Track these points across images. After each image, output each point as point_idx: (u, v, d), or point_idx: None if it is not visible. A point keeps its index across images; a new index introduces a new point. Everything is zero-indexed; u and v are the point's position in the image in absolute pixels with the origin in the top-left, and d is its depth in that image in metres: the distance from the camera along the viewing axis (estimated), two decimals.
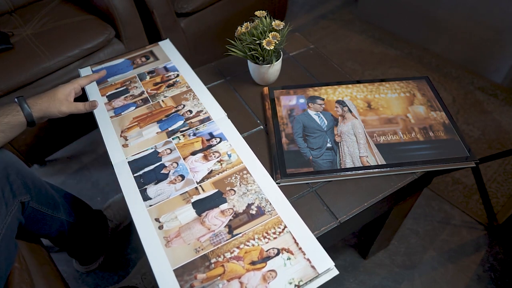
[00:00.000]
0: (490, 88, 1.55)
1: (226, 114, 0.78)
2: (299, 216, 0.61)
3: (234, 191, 0.65)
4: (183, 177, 0.67)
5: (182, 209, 0.63)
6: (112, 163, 0.71)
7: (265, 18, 0.79)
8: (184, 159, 0.70)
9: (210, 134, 0.74)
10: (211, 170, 0.68)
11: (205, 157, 0.70)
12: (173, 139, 0.74)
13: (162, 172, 0.69)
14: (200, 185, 0.66)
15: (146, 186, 0.67)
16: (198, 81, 0.86)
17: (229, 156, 0.70)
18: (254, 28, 0.78)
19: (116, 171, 0.69)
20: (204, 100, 0.81)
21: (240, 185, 0.65)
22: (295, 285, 0.53)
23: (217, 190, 0.65)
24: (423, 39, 1.74)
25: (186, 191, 0.65)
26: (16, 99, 0.69)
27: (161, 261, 0.57)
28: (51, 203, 0.82)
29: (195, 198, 0.64)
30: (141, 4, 1.25)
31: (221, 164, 0.69)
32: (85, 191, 1.29)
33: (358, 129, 0.74)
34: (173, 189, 0.66)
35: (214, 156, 0.70)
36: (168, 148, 0.72)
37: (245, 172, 0.67)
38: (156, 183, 0.67)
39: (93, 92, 0.86)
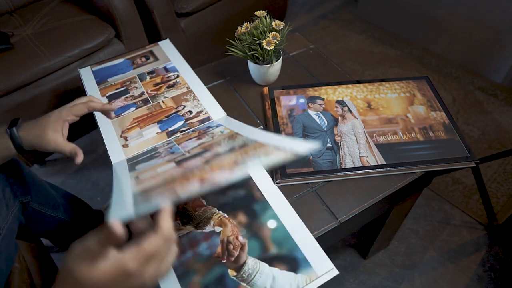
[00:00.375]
0: (490, 88, 1.55)
1: (226, 114, 0.78)
2: (299, 217, 0.61)
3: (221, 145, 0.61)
4: (173, 152, 0.66)
5: (164, 167, 0.58)
6: (112, 163, 0.71)
7: (265, 18, 0.79)
8: (179, 145, 0.69)
9: (208, 127, 0.74)
10: (202, 142, 0.66)
11: (199, 138, 0.69)
12: (172, 139, 0.74)
13: (155, 155, 0.68)
14: (188, 152, 0.63)
15: (137, 166, 0.65)
16: (198, 81, 0.86)
17: (222, 132, 0.68)
18: (254, 28, 0.78)
19: (116, 171, 0.69)
20: (204, 100, 0.81)
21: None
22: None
23: (204, 150, 0.61)
24: (423, 39, 1.74)
25: (173, 158, 0.62)
26: (8, 130, 0.62)
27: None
28: (51, 203, 0.82)
29: (180, 158, 0.60)
30: (141, 4, 1.25)
31: (212, 138, 0.67)
32: (85, 191, 1.29)
33: (358, 129, 0.74)
34: (160, 160, 0.63)
35: (208, 135, 0.69)
36: (166, 144, 0.72)
37: (236, 135, 0.64)
38: (146, 161, 0.66)
39: (93, 92, 0.86)
